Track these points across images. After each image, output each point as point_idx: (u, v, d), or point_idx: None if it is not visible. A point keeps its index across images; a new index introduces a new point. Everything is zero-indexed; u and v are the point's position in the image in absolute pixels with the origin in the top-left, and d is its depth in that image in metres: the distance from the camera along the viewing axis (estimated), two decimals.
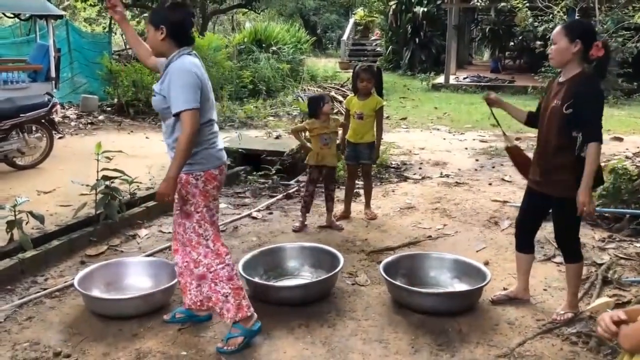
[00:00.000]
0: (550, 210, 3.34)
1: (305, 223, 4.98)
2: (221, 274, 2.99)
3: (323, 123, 4.81)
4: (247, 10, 20.71)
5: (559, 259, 4.15)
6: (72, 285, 3.60)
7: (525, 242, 3.50)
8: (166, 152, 3.03)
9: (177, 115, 2.80)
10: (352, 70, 5.23)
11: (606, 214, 4.95)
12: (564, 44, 3.05)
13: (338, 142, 5.04)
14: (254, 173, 6.45)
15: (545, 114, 3.19)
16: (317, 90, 12.47)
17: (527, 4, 12.21)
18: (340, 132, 5.11)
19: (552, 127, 3.12)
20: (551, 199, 3.23)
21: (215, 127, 3.03)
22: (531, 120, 3.44)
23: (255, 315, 3.08)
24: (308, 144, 4.96)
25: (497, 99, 3.57)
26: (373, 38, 24.35)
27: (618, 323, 1.78)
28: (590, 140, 2.98)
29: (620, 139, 8.69)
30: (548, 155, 3.18)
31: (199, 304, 3.16)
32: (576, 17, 13.18)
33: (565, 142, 3.07)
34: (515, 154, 3.70)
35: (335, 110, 10.96)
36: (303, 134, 5.09)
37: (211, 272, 3.00)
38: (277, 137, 8.64)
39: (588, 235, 4.65)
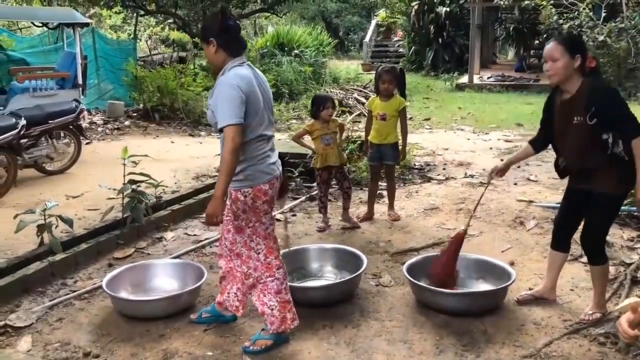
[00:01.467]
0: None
1: (329, 223, 5.01)
2: (270, 286, 3.01)
3: (323, 124, 4.87)
4: (269, 14, 20.83)
5: (586, 259, 4.09)
6: (100, 287, 3.67)
7: (562, 241, 3.45)
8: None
9: (221, 130, 2.78)
10: (374, 72, 5.23)
11: (635, 213, 4.85)
12: (566, 60, 3.02)
13: (338, 142, 5.06)
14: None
15: (567, 134, 3.14)
16: (339, 93, 12.47)
17: (552, 2, 12.04)
18: (339, 134, 5.10)
19: (580, 141, 3.08)
20: (591, 195, 3.17)
21: (268, 144, 2.96)
22: (538, 146, 3.45)
23: (288, 323, 3.08)
24: (312, 147, 5.00)
25: (502, 166, 3.58)
26: (395, 39, 24.29)
27: (634, 325, 1.76)
28: (632, 137, 2.92)
29: None
30: (584, 162, 3.13)
31: (233, 308, 3.19)
32: (603, 14, 12.95)
33: (599, 147, 3.03)
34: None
35: (357, 113, 10.96)
36: (305, 138, 5.11)
37: (260, 284, 3.03)
38: (303, 146, 8.65)
39: (617, 235, 4.58)
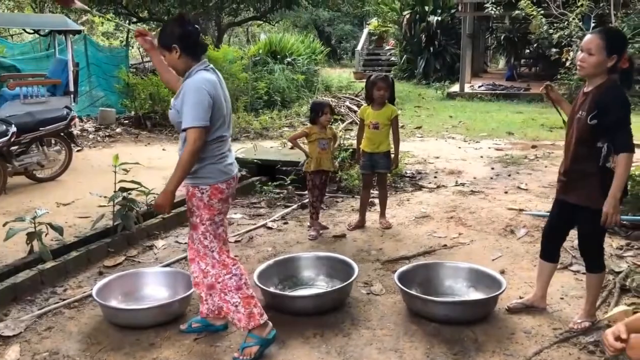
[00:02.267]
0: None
1: (320, 231, 5.02)
2: (229, 284, 3.02)
3: (321, 129, 4.95)
4: (261, 22, 20.91)
5: (576, 267, 4.12)
6: (90, 295, 3.65)
7: (551, 251, 3.47)
8: None
9: (185, 131, 2.85)
10: (366, 80, 5.26)
11: (624, 222, 4.89)
12: (602, 57, 2.94)
13: (332, 149, 5.12)
14: (269, 183, 6.48)
15: (572, 125, 3.15)
16: (332, 101, 12.50)
17: (542, 12, 12.18)
18: (333, 141, 5.17)
19: (578, 137, 3.09)
20: (577, 207, 3.18)
21: (226, 144, 3.04)
22: None
23: (270, 323, 3.09)
24: (307, 150, 5.05)
25: (556, 96, 3.47)
26: (387, 48, 24.41)
27: (620, 338, 1.79)
28: (620, 151, 2.93)
29: (638, 146, 8.59)
30: (574, 164, 3.15)
31: (216, 312, 3.22)
32: (592, 24, 13.10)
33: (590, 153, 3.04)
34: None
35: (349, 121, 11.00)
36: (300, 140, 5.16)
37: (219, 282, 3.04)
38: (292, 148, 8.66)
39: (606, 243, 4.53)
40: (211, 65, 3.04)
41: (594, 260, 3.26)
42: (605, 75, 3.02)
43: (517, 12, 13.87)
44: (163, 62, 3.17)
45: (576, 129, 3.09)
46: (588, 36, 3.02)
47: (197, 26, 3.04)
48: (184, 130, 2.84)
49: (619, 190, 2.96)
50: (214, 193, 2.98)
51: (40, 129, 6.62)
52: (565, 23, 12.66)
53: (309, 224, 5.14)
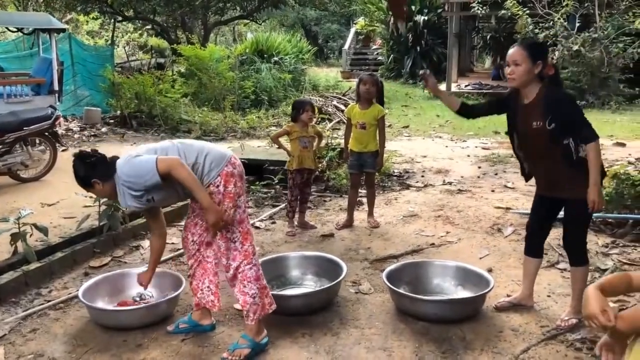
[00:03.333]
0: (560, 214, 3.36)
1: (298, 229, 5.10)
2: (249, 275, 3.02)
3: (302, 127, 4.97)
4: (248, 21, 20.84)
5: (563, 265, 4.15)
6: (76, 296, 3.61)
7: (534, 247, 3.50)
8: None
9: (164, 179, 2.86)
10: (354, 79, 5.28)
11: (609, 220, 4.94)
12: (528, 65, 3.10)
13: (314, 148, 5.17)
14: (257, 183, 6.46)
15: (527, 137, 3.24)
16: (319, 100, 12.50)
17: (528, 11, 12.26)
18: (317, 140, 5.23)
19: (541, 146, 3.18)
20: (562, 202, 3.25)
21: (201, 157, 3.00)
22: (464, 111, 3.55)
23: (265, 330, 3.09)
24: (289, 148, 5.08)
25: (433, 85, 3.61)
26: (374, 47, 24.45)
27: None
28: (588, 141, 3.05)
29: (622, 145, 8.68)
30: (548, 168, 3.23)
31: (209, 304, 3.19)
32: (577, 24, 13.25)
33: (559, 152, 3.12)
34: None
35: (337, 120, 10.99)
36: (284, 138, 5.18)
37: (240, 273, 3.02)
38: (278, 147, 8.64)
39: (592, 241, 4.63)
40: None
41: (578, 254, 3.30)
42: (538, 82, 3.15)
43: (503, 11, 13.98)
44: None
45: (537, 138, 3.17)
46: (510, 50, 3.18)
47: (96, 154, 3.09)
48: (162, 177, 2.84)
49: (597, 176, 3.07)
50: (226, 179, 2.96)
51: (24, 128, 6.55)
52: (551, 23, 12.77)
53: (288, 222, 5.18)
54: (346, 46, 23.59)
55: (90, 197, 4.69)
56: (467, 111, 3.58)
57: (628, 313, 1.87)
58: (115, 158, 3.05)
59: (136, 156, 2.92)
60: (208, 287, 3.20)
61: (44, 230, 4.29)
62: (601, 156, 3.11)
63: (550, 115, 3.07)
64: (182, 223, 5.29)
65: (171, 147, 3.01)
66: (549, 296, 3.72)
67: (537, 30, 12.72)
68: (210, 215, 2.87)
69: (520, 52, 3.12)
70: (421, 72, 3.69)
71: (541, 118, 3.10)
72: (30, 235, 4.23)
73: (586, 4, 12.84)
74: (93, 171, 3.00)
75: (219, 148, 3.11)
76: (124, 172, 2.91)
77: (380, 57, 22.28)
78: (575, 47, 12.67)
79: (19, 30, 10.03)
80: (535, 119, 3.13)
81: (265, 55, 15.01)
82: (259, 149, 8.33)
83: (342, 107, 12.04)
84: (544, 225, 3.47)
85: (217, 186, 2.95)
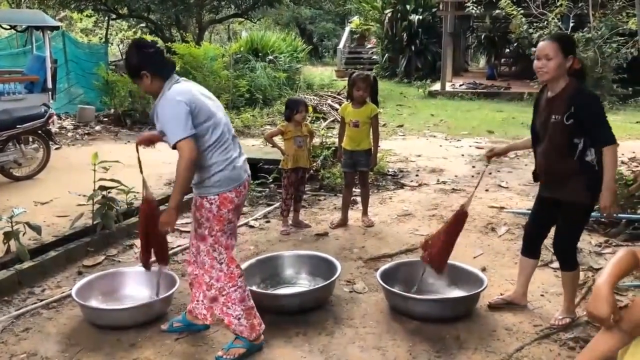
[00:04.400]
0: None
1: (292, 227, 5.11)
2: (233, 297, 2.97)
3: (296, 127, 4.99)
4: (243, 19, 20.80)
5: (556, 264, 4.14)
6: (69, 295, 3.60)
7: (532, 247, 3.50)
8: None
9: (175, 147, 2.79)
10: (347, 78, 5.27)
11: (602, 219, 4.96)
12: (560, 59, 3.03)
13: (308, 147, 5.17)
14: (251, 182, 6.44)
15: (546, 130, 3.19)
16: (313, 99, 12.49)
17: (522, 11, 12.31)
18: (309, 138, 5.23)
19: (555, 140, 3.13)
20: (560, 203, 3.23)
21: (232, 147, 2.95)
22: (535, 139, 3.40)
23: (262, 334, 3.08)
24: (283, 148, 5.09)
25: (501, 150, 3.64)
26: (369, 46, 24.45)
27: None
28: (604, 144, 3.00)
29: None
30: (553, 165, 3.19)
31: (201, 316, 3.16)
32: (571, 24, 13.26)
33: (567, 151, 3.09)
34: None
35: (331, 119, 10.99)
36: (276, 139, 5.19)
37: (223, 296, 2.97)
38: (273, 146, 8.64)
39: (585, 241, 4.66)
40: (182, 78, 2.98)
41: (567, 259, 3.30)
42: (566, 77, 3.10)
43: (497, 11, 14.01)
44: None
45: (553, 132, 3.13)
46: (541, 43, 3.11)
47: (158, 45, 2.99)
48: (174, 147, 2.78)
49: (612, 181, 3.03)
50: (223, 203, 2.89)
51: (18, 126, 6.52)
52: (545, 23, 12.82)
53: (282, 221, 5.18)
54: (341, 45, 23.58)
55: (84, 196, 4.70)
56: (534, 138, 3.39)
57: (630, 312, 1.84)
58: (172, 66, 2.95)
59: (184, 106, 2.77)
60: (202, 301, 3.14)
61: (37, 229, 4.28)
62: (616, 159, 3.05)
63: (571, 110, 3.01)
64: (177, 222, 5.28)
65: (221, 126, 2.91)
66: (542, 295, 3.73)
67: (531, 30, 12.73)
68: (165, 216, 2.86)
69: (553, 46, 3.03)
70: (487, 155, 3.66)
71: (561, 112, 3.05)
72: (24, 234, 4.21)
73: (580, 4, 12.84)
74: (147, 63, 2.85)
75: (242, 167, 2.99)
76: (161, 104, 2.83)
77: (374, 56, 22.30)
78: None
79: (12, 27, 9.96)
80: (555, 112, 3.09)
81: (259, 54, 14.98)
82: (253, 147, 8.32)
83: (337, 106, 12.02)
84: (542, 228, 3.45)
85: (211, 204, 2.89)
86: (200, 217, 2.93)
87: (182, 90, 2.85)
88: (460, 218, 3.50)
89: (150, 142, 3.17)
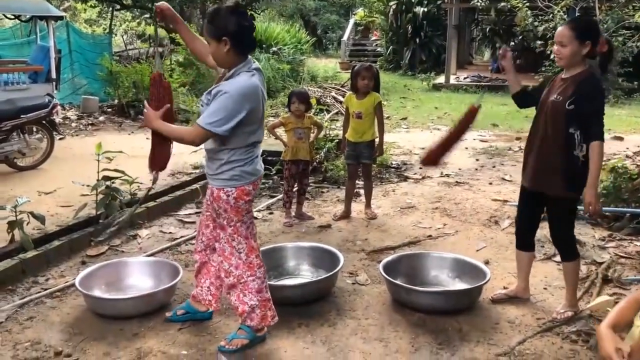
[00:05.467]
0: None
1: (296, 219, 5.11)
2: (251, 286, 2.96)
3: (298, 118, 4.96)
4: (247, 10, 20.71)
5: (559, 258, 4.15)
6: (73, 285, 3.61)
7: (525, 240, 3.50)
8: (204, 160, 3.04)
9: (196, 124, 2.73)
10: (351, 70, 5.26)
11: (606, 213, 4.95)
12: (575, 46, 3.01)
13: (311, 139, 5.15)
14: None
15: (544, 109, 3.17)
16: (317, 91, 12.46)
17: (527, 4, 12.20)
18: (315, 131, 5.21)
19: (551, 122, 3.11)
20: (545, 197, 3.23)
21: (257, 149, 2.93)
22: (520, 94, 3.40)
23: (265, 327, 3.07)
24: (284, 140, 5.09)
25: (509, 63, 3.40)
26: (373, 38, 24.37)
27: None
28: (592, 139, 2.99)
29: (620, 138, 8.69)
30: (542, 153, 3.17)
31: (206, 302, 3.20)
32: (577, 15, 13.15)
33: (562, 139, 3.07)
34: None
35: (335, 111, 10.97)
36: (279, 131, 5.21)
37: (241, 283, 2.96)
38: (276, 138, 8.63)
39: (588, 234, 4.66)
40: (256, 65, 2.84)
41: (566, 249, 3.31)
42: (584, 64, 3.08)
43: (502, 4, 13.91)
44: (189, 31, 3.13)
45: (551, 113, 3.11)
46: (559, 29, 3.09)
47: (254, 22, 2.80)
48: (195, 124, 2.73)
49: (597, 178, 3.02)
50: (240, 195, 2.86)
51: (22, 116, 6.52)
52: (550, 15, 12.72)
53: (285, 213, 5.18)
54: (345, 37, 23.50)
55: (88, 186, 4.70)
56: (523, 96, 3.40)
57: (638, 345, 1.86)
58: (254, 49, 2.88)
59: (243, 110, 2.69)
60: (208, 287, 3.19)
61: (41, 219, 4.29)
62: (602, 156, 3.03)
63: (574, 96, 3.00)
64: (181, 212, 5.30)
65: (258, 133, 2.88)
66: (545, 289, 3.73)
67: (536, 23, 12.66)
68: (151, 114, 2.89)
69: (567, 32, 3.01)
70: (502, 49, 3.44)
71: (564, 95, 3.04)
72: (27, 224, 4.22)
73: None
74: (236, 32, 2.68)
75: (260, 162, 2.96)
76: (230, 87, 2.70)
77: (379, 49, 22.23)
78: None
79: (17, 17, 9.96)
80: (558, 93, 3.07)
81: (264, 46, 14.94)
82: None
83: (341, 98, 12.01)
84: (531, 220, 3.45)
85: (228, 196, 2.85)
86: (218, 208, 2.90)
87: (254, 88, 2.75)
88: (472, 114, 3.41)
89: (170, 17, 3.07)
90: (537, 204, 3.35)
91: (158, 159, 3.11)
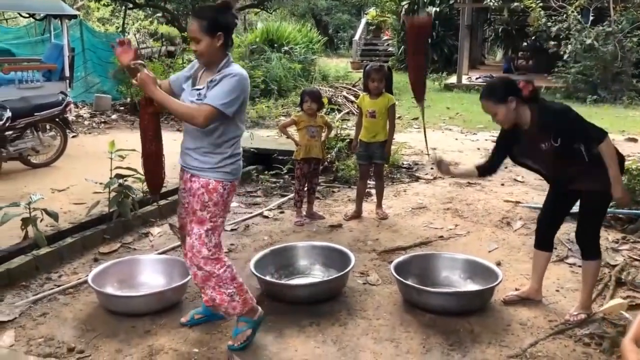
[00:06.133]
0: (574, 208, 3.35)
1: (306, 218, 5.12)
2: (224, 277, 2.93)
3: (310, 117, 4.97)
4: (259, 10, 20.75)
5: (572, 260, 4.13)
6: (85, 282, 3.64)
7: (545, 240, 3.48)
8: (180, 160, 3.01)
9: (202, 105, 2.71)
10: (362, 70, 5.26)
11: (620, 215, 4.90)
12: (502, 109, 3.11)
13: (322, 139, 5.15)
14: (266, 172, 6.47)
15: (538, 157, 3.23)
16: (328, 90, 12.45)
17: (541, 4, 12.10)
18: (326, 130, 5.21)
19: (556, 160, 3.16)
20: (578, 194, 3.23)
21: (234, 148, 2.95)
22: (484, 171, 3.50)
23: (259, 307, 3.08)
24: (296, 139, 5.09)
25: (447, 169, 3.58)
26: (385, 38, 24.30)
27: None
28: (599, 142, 3.02)
29: (634, 140, 8.60)
30: (566, 170, 3.20)
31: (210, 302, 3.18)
32: (591, 17, 13.07)
33: (573, 157, 3.11)
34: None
35: (346, 111, 10.96)
36: (292, 128, 5.19)
37: (214, 277, 2.91)
38: (287, 137, 8.64)
39: (602, 237, 4.54)
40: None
41: (591, 247, 3.29)
42: (525, 109, 3.13)
43: (516, 4, 13.79)
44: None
45: (550, 157, 3.15)
46: (482, 104, 3.19)
47: (237, 17, 2.94)
48: (205, 104, 2.71)
49: (617, 172, 3.06)
50: (231, 190, 2.94)
51: (36, 114, 6.57)
52: (564, 16, 12.61)
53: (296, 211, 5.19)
54: (356, 37, 23.44)
55: (101, 183, 4.74)
56: (486, 169, 3.49)
57: None
58: (228, 56, 2.84)
59: (244, 90, 2.79)
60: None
61: (54, 216, 4.32)
62: (614, 150, 3.07)
63: (552, 133, 3.06)
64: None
65: (243, 124, 2.95)
66: (557, 291, 3.70)
67: (550, 24, 12.59)
68: (145, 76, 2.72)
69: (487, 104, 3.15)
70: (431, 155, 3.60)
71: (546, 139, 3.10)
72: (41, 220, 4.26)
73: None
74: (229, 28, 2.80)
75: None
76: (232, 73, 2.77)
77: (390, 48, 22.15)
78: (589, 41, 12.53)
79: (31, 15, 10.04)
80: (541, 141, 3.12)
81: (275, 45, 14.94)
82: (268, 138, 8.32)
83: (352, 97, 11.99)
84: (556, 218, 3.45)
85: (224, 189, 2.88)
86: (208, 200, 2.86)
87: (247, 79, 2.84)
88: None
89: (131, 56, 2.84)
90: (565, 203, 3.36)
91: (153, 184, 3.21)
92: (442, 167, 3.54)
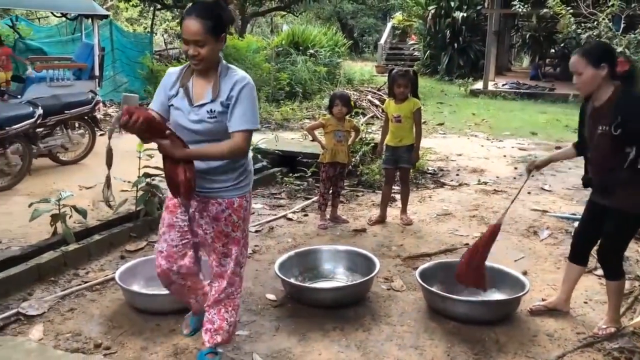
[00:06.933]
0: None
1: (330, 222, 5.12)
2: (235, 302, 2.80)
3: (338, 121, 4.95)
4: (285, 13, 20.85)
5: (600, 271, 4.04)
6: (112, 279, 3.68)
7: (581, 254, 3.40)
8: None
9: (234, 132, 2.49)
10: (387, 74, 5.24)
11: None
12: (590, 72, 2.99)
13: (349, 143, 5.15)
14: (290, 175, 6.48)
15: (593, 141, 3.10)
16: (353, 94, 12.44)
17: (571, 11, 11.93)
18: (353, 134, 5.21)
19: (604, 151, 3.05)
20: (608, 210, 3.13)
21: (249, 164, 2.79)
22: (580, 149, 3.33)
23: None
24: (323, 142, 5.08)
25: (542, 162, 3.53)
26: (411, 42, 24.22)
27: None
28: None
29: None
30: (605, 174, 3.11)
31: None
32: (622, 25, 12.86)
33: (619, 160, 2.99)
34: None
35: (371, 115, 10.94)
36: (319, 131, 5.20)
37: (228, 299, 2.76)
38: (312, 140, 8.64)
39: (632, 249, 4.52)
40: None
41: (612, 267, 3.20)
42: (609, 85, 3.01)
43: (545, 10, 13.64)
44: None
45: (601, 143, 3.04)
46: (571, 61, 3.08)
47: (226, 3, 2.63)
48: (239, 131, 2.48)
49: None
50: (250, 199, 2.80)
51: (66, 112, 6.67)
52: (595, 23, 12.43)
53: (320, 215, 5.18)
54: (382, 40, 23.42)
55: (128, 182, 4.79)
56: (580, 146, 3.33)
57: None
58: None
59: (255, 98, 2.56)
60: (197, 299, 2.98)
61: (82, 213, 4.38)
62: None
63: (617, 120, 2.93)
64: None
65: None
66: (585, 302, 3.64)
67: (579, 30, 12.39)
68: (172, 148, 2.46)
69: (579, 60, 3.01)
70: (527, 166, 3.57)
71: (608, 122, 2.97)
72: (70, 217, 4.32)
73: (633, 5, 12.46)
74: (227, 26, 2.55)
75: None
76: (244, 83, 2.52)
77: (416, 53, 22.08)
78: (620, 49, 12.29)
79: (63, 15, 10.22)
80: (602, 123, 3.01)
81: (300, 48, 14.98)
82: (292, 140, 8.34)
83: (377, 101, 11.97)
84: (592, 234, 3.32)
85: (247, 202, 2.71)
86: (237, 220, 2.67)
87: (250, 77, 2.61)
88: (494, 232, 3.44)
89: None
90: (601, 219, 3.20)
91: (184, 189, 2.51)
92: (539, 163, 3.50)
